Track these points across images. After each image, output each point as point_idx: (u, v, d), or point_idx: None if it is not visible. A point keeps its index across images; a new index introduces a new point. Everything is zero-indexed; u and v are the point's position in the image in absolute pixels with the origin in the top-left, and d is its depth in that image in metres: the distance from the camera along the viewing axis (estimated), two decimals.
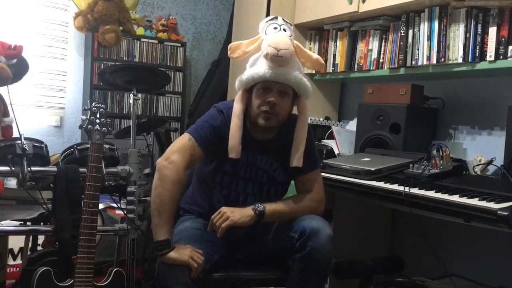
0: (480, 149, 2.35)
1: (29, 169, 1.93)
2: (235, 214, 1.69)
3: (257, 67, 1.73)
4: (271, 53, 1.68)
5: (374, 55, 2.63)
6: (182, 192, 1.79)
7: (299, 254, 1.67)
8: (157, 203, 1.65)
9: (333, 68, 2.88)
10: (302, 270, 1.68)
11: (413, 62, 2.37)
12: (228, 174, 1.82)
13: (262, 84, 1.74)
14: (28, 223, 2.22)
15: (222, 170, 1.82)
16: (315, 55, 1.86)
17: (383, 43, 2.59)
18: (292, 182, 1.94)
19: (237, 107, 1.76)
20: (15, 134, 2.10)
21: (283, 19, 1.82)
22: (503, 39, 2.02)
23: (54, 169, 2.02)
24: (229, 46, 1.83)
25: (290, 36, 1.78)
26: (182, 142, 1.75)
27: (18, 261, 2.77)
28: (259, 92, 1.75)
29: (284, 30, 1.78)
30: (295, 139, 1.79)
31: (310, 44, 3.06)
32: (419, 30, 2.35)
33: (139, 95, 2.54)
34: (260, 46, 1.77)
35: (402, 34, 2.43)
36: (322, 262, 1.67)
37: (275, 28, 1.77)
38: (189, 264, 1.57)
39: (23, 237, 2.33)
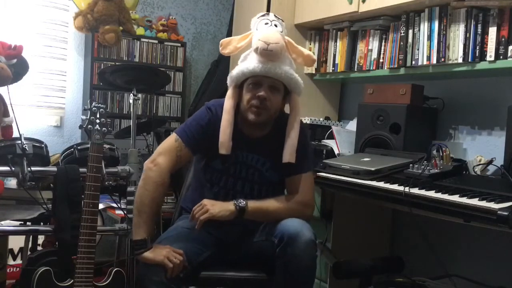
0: (480, 149, 2.35)
1: (29, 169, 1.93)
2: (215, 207, 1.68)
3: (247, 62, 1.73)
4: (261, 47, 1.68)
5: (374, 55, 2.63)
6: (165, 193, 1.80)
7: (279, 260, 1.64)
8: (138, 203, 1.67)
9: (333, 68, 2.88)
10: (284, 275, 1.65)
11: (413, 62, 2.37)
12: (218, 171, 1.82)
13: (253, 79, 1.73)
14: (28, 223, 2.22)
15: (212, 167, 1.82)
16: (307, 51, 1.85)
17: (383, 43, 2.59)
18: None
19: (228, 103, 1.76)
20: (15, 134, 2.10)
21: (274, 15, 1.82)
22: (503, 39, 2.02)
23: (54, 169, 2.02)
24: (220, 42, 1.83)
25: (282, 32, 1.78)
26: (168, 143, 1.77)
27: (18, 261, 2.77)
28: (249, 87, 1.75)
29: (275, 25, 1.78)
30: (287, 134, 1.78)
31: (310, 44, 3.06)
32: (419, 30, 2.35)
33: (139, 95, 2.55)
34: (251, 41, 1.77)
35: (402, 34, 2.43)
36: (303, 267, 1.63)
37: (266, 23, 1.77)
38: (164, 264, 1.57)
39: (23, 237, 2.33)
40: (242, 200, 1.71)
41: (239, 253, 1.82)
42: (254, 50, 1.72)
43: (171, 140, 1.77)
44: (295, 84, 1.78)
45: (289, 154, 1.76)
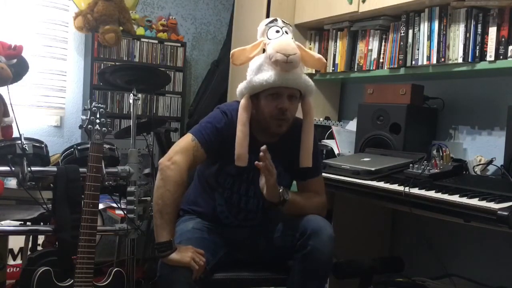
0: (480, 149, 2.35)
1: (29, 169, 1.93)
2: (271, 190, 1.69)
3: (266, 74, 1.70)
4: (281, 60, 1.66)
5: (374, 55, 2.63)
6: (184, 193, 1.79)
7: (300, 253, 1.68)
8: (160, 204, 1.64)
9: (333, 68, 2.88)
10: (302, 269, 1.68)
11: (413, 62, 2.37)
12: (231, 177, 1.81)
13: (272, 90, 1.71)
14: (28, 223, 2.22)
15: (226, 172, 1.80)
16: (317, 55, 1.84)
17: (383, 43, 2.59)
18: (294, 183, 1.93)
19: (243, 115, 1.73)
20: (15, 134, 2.10)
21: (282, 20, 1.80)
22: (503, 39, 2.02)
23: (54, 169, 2.02)
24: (231, 53, 1.78)
25: (292, 38, 1.77)
26: (185, 142, 1.73)
27: (18, 261, 2.77)
28: (268, 98, 1.72)
29: (286, 32, 1.76)
30: (303, 139, 1.78)
31: (310, 44, 3.06)
32: (419, 30, 2.35)
33: (139, 95, 2.54)
34: (262, 50, 1.76)
35: (402, 34, 2.43)
36: (322, 261, 1.67)
37: (278, 31, 1.75)
38: (191, 266, 1.57)
39: (23, 237, 2.34)
40: (286, 192, 1.73)
41: (250, 253, 1.84)
42: (272, 62, 1.68)
43: (188, 139, 1.74)
44: (311, 90, 1.78)
45: (306, 160, 1.78)
